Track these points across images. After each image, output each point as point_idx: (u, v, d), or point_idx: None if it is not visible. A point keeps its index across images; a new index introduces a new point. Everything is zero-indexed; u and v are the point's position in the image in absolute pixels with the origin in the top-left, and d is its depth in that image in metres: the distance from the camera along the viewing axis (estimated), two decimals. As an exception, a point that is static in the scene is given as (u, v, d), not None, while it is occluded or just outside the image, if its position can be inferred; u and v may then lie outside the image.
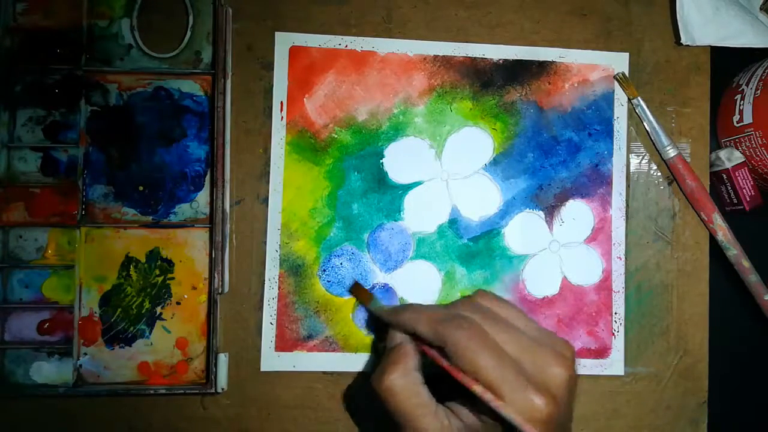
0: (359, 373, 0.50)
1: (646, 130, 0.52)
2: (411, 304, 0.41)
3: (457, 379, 0.36)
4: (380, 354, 0.49)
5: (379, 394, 0.38)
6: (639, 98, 0.51)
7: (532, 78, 0.52)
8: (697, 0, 0.51)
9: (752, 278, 0.51)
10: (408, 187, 0.51)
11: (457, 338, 0.36)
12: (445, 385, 0.39)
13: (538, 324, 0.39)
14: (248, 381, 0.49)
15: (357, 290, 0.49)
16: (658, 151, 0.52)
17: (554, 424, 0.35)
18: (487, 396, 0.35)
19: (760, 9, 0.54)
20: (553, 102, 0.52)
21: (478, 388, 0.35)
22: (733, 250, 0.51)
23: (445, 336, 0.36)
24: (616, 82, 0.52)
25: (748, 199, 0.53)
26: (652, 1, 0.53)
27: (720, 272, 0.54)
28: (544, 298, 0.51)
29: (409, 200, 0.51)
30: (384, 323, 0.42)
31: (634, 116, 0.52)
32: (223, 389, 0.48)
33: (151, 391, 0.48)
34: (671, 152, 0.51)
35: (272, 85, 0.50)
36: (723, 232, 0.51)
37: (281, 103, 0.50)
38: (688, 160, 0.52)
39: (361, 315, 0.50)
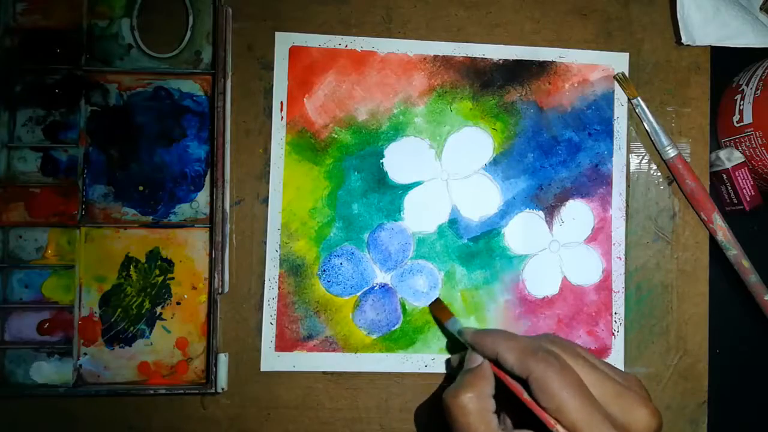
0: (360, 373, 0.50)
1: (646, 130, 0.52)
2: (496, 330, 0.41)
3: (537, 414, 0.36)
4: (452, 370, 0.50)
5: (450, 409, 0.38)
6: (639, 98, 0.51)
7: (532, 78, 0.52)
8: (697, 0, 0.51)
9: (752, 278, 0.51)
10: (408, 187, 0.51)
11: (543, 372, 0.35)
12: (514, 415, 0.39)
13: (608, 363, 0.39)
14: (248, 381, 0.49)
15: (438, 307, 0.49)
16: (658, 151, 0.52)
17: None
18: None
19: (760, 9, 0.54)
20: (553, 102, 0.52)
21: (560, 429, 0.35)
22: (733, 250, 0.51)
23: (531, 367, 0.36)
24: (615, 82, 0.52)
25: (748, 199, 0.53)
26: (652, 1, 0.53)
27: (720, 272, 0.54)
28: (544, 298, 0.51)
29: (409, 200, 0.51)
30: (462, 343, 0.43)
31: (634, 116, 0.52)
32: (223, 389, 0.48)
33: (151, 391, 0.48)
34: (671, 152, 0.51)
35: (272, 85, 0.50)
36: (723, 232, 0.51)
37: (281, 103, 0.50)
38: (688, 160, 0.52)
39: (361, 315, 0.50)
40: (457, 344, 0.50)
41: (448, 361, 0.50)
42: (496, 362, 0.39)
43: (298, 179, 0.50)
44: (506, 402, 0.39)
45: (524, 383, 0.37)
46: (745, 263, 0.51)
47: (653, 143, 0.52)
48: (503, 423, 0.40)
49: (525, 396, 0.37)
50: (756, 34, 0.51)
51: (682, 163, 0.51)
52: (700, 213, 0.52)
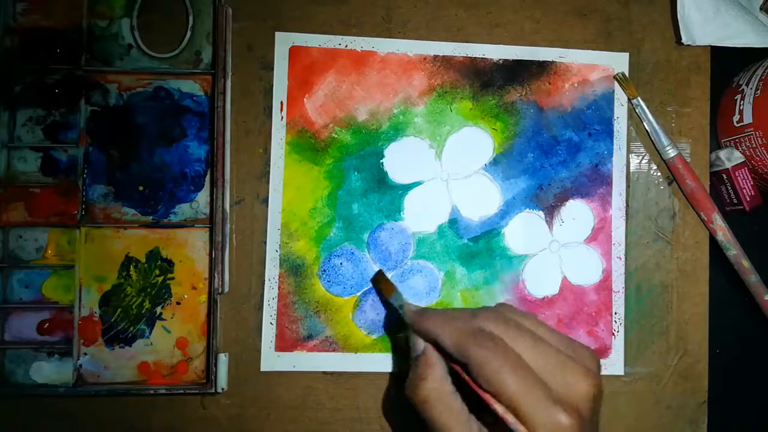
0: (360, 373, 0.50)
1: (646, 130, 0.52)
2: (434, 311, 0.40)
3: (479, 394, 0.36)
4: (398, 346, 0.50)
5: (415, 404, 0.38)
6: (639, 98, 0.51)
7: (532, 78, 0.52)
8: (697, 0, 0.51)
9: (752, 278, 0.51)
10: (408, 187, 0.51)
11: (479, 356, 0.35)
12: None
13: (561, 334, 0.38)
14: (248, 381, 0.49)
15: (380, 280, 0.48)
16: (658, 151, 0.52)
17: None
18: (508, 417, 0.34)
19: (760, 9, 0.54)
20: (553, 102, 0.52)
21: (499, 409, 0.35)
22: (733, 250, 0.51)
23: (467, 353, 0.36)
24: (615, 82, 0.52)
25: (748, 199, 0.53)
26: (652, 1, 0.53)
27: (720, 272, 0.54)
28: (544, 298, 0.51)
29: (409, 200, 0.51)
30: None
31: (634, 116, 0.52)
32: (223, 389, 0.48)
33: (151, 391, 0.48)
34: (671, 152, 0.51)
35: (272, 85, 0.50)
36: (723, 232, 0.51)
37: (281, 103, 0.50)
38: (688, 160, 0.52)
39: (361, 315, 0.50)
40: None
41: (394, 340, 0.50)
42: (436, 345, 0.39)
43: (298, 179, 0.50)
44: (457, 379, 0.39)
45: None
46: (745, 263, 0.51)
47: (653, 143, 0.52)
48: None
49: (468, 378, 0.36)
50: (756, 34, 0.51)
51: (682, 163, 0.51)
52: (700, 213, 0.52)
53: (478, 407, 0.37)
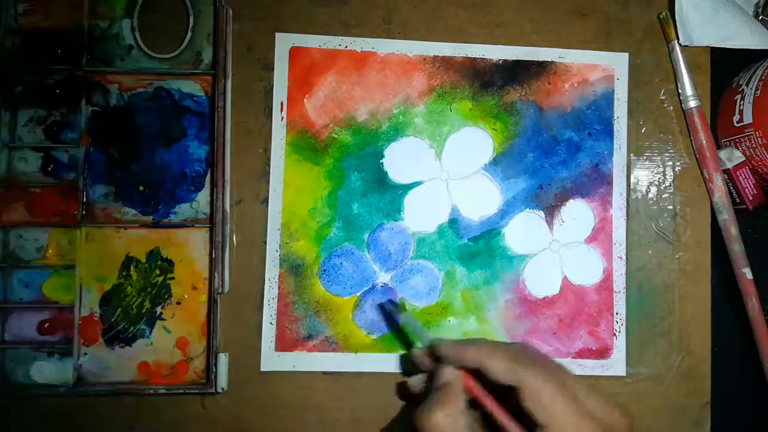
0: (360, 373, 0.50)
1: (675, 76, 0.53)
2: (477, 340, 0.40)
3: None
4: (406, 365, 0.49)
5: (422, 430, 0.37)
6: (675, 41, 0.52)
7: (531, 78, 0.52)
8: (696, 1, 0.51)
9: (736, 247, 0.51)
10: (408, 187, 0.51)
11: (534, 379, 0.35)
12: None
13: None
14: (248, 381, 0.49)
15: (398, 311, 0.48)
16: (680, 100, 0.53)
17: None
18: None
19: (756, 16, 0.54)
20: (552, 102, 0.52)
21: None
22: (725, 215, 0.51)
23: (522, 374, 0.35)
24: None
25: (750, 198, 0.52)
26: (652, 1, 0.53)
27: (721, 272, 0.53)
28: (544, 298, 0.51)
29: (409, 200, 0.51)
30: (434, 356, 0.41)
31: (634, 115, 0.52)
32: (223, 389, 0.48)
33: (151, 391, 0.48)
34: (692, 103, 0.52)
35: (272, 86, 0.51)
36: (720, 194, 0.51)
37: (281, 103, 0.51)
38: (689, 159, 0.52)
39: (361, 315, 0.50)
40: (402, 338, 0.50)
41: (402, 362, 0.50)
42: (471, 372, 0.38)
43: (298, 179, 0.50)
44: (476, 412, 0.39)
45: (500, 392, 0.36)
46: (733, 230, 0.51)
47: (677, 92, 0.53)
48: None
49: (501, 415, 0.36)
50: (753, 35, 0.52)
51: (699, 117, 0.52)
52: (703, 170, 0.52)
53: None
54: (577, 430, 0.34)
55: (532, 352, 0.38)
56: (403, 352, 0.50)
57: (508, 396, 0.37)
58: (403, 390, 0.50)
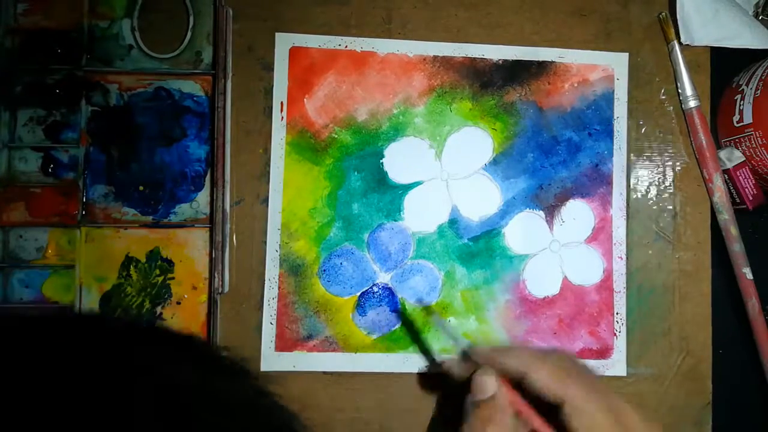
0: (360, 373, 0.50)
1: (674, 76, 0.53)
2: (519, 348, 0.39)
3: None
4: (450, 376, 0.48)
5: None
6: (675, 42, 0.52)
7: (531, 78, 0.52)
8: (696, 1, 0.51)
9: (736, 247, 0.51)
10: (408, 187, 0.51)
11: (581, 397, 0.33)
12: None
13: None
14: (248, 381, 0.49)
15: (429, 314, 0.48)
16: (680, 100, 0.53)
17: None
18: None
19: (756, 16, 0.54)
20: (552, 102, 0.52)
21: None
22: (725, 215, 0.51)
23: (567, 392, 0.34)
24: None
25: (750, 198, 0.52)
26: (652, 1, 0.53)
27: (721, 272, 0.53)
28: (544, 298, 0.51)
29: (409, 200, 0.51)
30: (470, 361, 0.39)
31: (634, 115, 0.52)
32: (222, 389, 0.48)
33: (151, 391, 0.47)
34: (692, 103, 0.52)
35: (272, 86, 0.51)
36: (720, 194, 0.51)
37: (281, 103, 0.51)
38: (689, 159, 0.52)
39: (361, 315, 0.50)
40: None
41: (439, 365, 0.49)
42: (512, 382, 0.36)
43: (298, 179, 0.50)
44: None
45: (542, 406, 0.35)
46: (733, 231, 0.51)
47: (678, 93, 0.53)
48: None
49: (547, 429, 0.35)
50: (754, 35, 0.51)
51: (699, 116, 0.52)
52: (703, 170, 0.52)
53: None
54: None
55: (576, 363, 0.36)
56: (402, 352, 0.50)
57: (549, 409, 0.35)
58: (432, 382, 0.49)
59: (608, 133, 0.52)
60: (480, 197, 0.51)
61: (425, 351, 0.49)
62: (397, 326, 0.50)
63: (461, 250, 0.51)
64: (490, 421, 0.34)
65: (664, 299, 0.52)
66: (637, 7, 0.53)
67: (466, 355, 0.40)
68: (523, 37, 0.52)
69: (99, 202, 0.49)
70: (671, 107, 0.53)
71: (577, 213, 0.52)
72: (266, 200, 0.50)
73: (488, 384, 0.36)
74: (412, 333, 0.50)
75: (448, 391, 0.48)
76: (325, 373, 0.50)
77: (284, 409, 0.25)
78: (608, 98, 0.52)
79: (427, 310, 0.49)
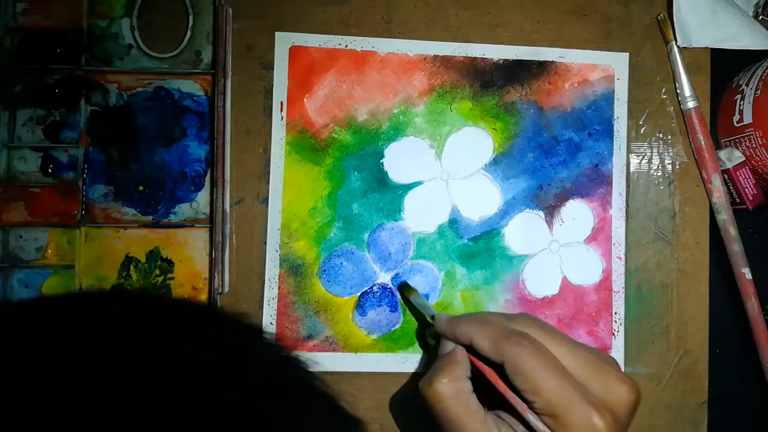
0: (360, 373, 0.50)
1: (673, 77, 0.53)
2: (469, 316, 0.40)
3: (511, 402, 0.36)
4: (426, 348, 0.50)
5: (426, 398, 0.37)
6: (673, 43, 0.52)
7: (532, 78, 0.52)
8: (693, 2, 0.51)
9: (735, 247, 0.51)
10: (408, 187, 0.51)
11: (517, 356, 0.35)
12: (496, 393, 0.38)
13: (587, 345, 0.38)
14: (248, 381, 0.49)
15: (405, 291, 0.49)
16: (678, 102, 0.52)
17: None
18: (540, 426, 0.34)
19: (754, 17, 0.54)
20: (553, 102, 0.52)
21: (531, 417, 0.35)
22: (724, 215, 0.51)
23: (505, 351, 0.36)
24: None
25: (750, 198, 0.53)
26: (652, 2, 0.53)
27: (720, 272, 0.53)
28: (544, 298, 0.51)
29: (409, 200, 0.51)
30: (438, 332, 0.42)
31: (634, 116, 0.52)
32: (223, 389, 0.48)
33: (151, 391, 0.48)
34: (690, 104, 0.52)
35: (272, 85, 0.50)
36: (719, 194, 0.51)
37: (281, 103, 0.50)
38: (689, 158, 0.53)
39: (362, 315, 0.50)
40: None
41: (422, 341, 0.50)
42: (470, 349, 0.38)
43: (298, 179, 0.50)
44: (483, 389, 0.39)
45: (500, 369, 0.37)
46: (732, 231, 0.51)
47: (676, 93, 0.52)
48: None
49: (498, 383, 0.37)
50: (752, 36, 0.51)
51: (698, 117, 0.52)
52: (702, 171, 0.52)
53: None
54: (561, 401, 0.34)
55: (526, 326, 0.38)
56: (402, 352, 0.50)
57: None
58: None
59: (608, 133, 0.52)
60: (480, 197, 0.51)
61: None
62: (398, 326, 0.50)
63: (461, 250, 0.51)
64: (444, 370, 0.38)
65: (663, 299, 0.52)
66: (637, 7, 0.53)
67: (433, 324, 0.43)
68: (523, 37, 0.52)
69: (99, 202, 0.49)
70: (671, 107, 0.53)
71: (577, 213, 0.52)
72: (266, 200, 0.50)
73: (449, 343, 0.40)
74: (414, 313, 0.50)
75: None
76: (325, 373, 0.49)
77: (302, 363, 0.28)
78: (608, 98, 0.52)
79: (402, 288, 0.49)
